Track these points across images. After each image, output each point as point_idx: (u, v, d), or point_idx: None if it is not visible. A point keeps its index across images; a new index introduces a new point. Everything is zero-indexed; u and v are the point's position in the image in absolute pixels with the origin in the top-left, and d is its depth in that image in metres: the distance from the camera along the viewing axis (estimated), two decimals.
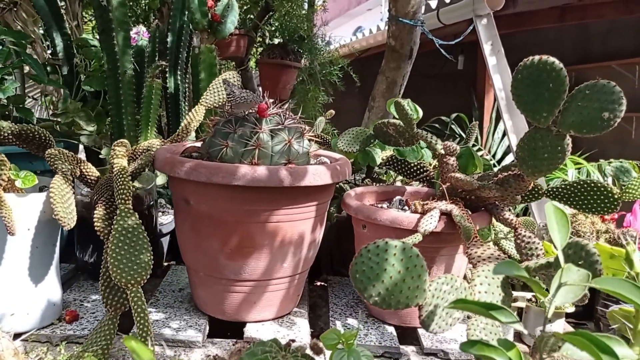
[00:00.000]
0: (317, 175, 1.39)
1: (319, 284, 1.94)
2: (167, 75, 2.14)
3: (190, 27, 2.19)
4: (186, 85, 2.24)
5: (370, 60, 5.99)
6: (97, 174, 1.59)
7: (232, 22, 2.01)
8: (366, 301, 0.98)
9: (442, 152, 1.58)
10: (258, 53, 4.81)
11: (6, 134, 1.39)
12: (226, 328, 1.53)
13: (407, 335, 1.55)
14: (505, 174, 1.43)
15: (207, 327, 1.48)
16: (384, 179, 2.00)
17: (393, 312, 1.55)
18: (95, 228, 1.38)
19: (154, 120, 1.89)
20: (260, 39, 4.66)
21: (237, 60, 4.05)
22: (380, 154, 1.89)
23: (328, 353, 1.02)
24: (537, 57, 1.24)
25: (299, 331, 1.48)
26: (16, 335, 1.35)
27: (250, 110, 1.49)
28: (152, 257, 1.31)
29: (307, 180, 1.37)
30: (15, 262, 1.33)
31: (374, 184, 1.99)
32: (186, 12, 2.16)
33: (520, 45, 4.88)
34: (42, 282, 1.39)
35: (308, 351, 1.03)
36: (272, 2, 3.84)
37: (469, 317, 1.11)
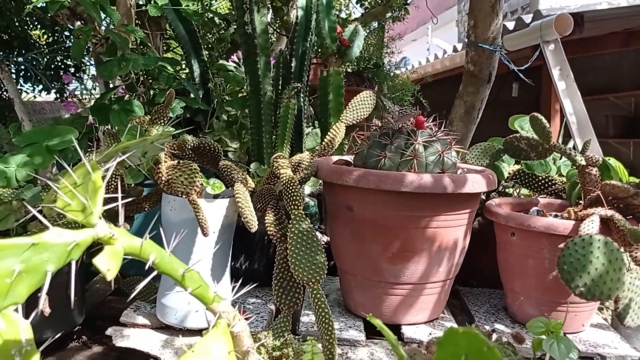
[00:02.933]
0: (476, 183, 1.47)
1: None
2: (295, 99, 2.28)
3: (311, 53, 2.34)
4: (306, 107, 2.38)
5: (425, 87, 6.12)
6: (253, 185, 1.72)
7: (358, 47, 2.15)
8: (572, 292, 1.04)
9: (584, 163, 1.64)
10: None
11: (189, 147, 1.53)
12: (378, 331, 1.60)
13: None
14: None
15: (363, 328, 1.56)
16: (510, 193, 2.07)
17: None
18: (269, 232, 1.50)
19: (289, 138, 2.02)
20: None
21: (313, 88, 4.24)
22: (507, 168, 1.96)
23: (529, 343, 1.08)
24: None
25: None
26: (199, 332, 1.47)
27: (402, 125, 1.60)
28: (326, 258, 1.41)
29: (467, 187, 1.45)
30: (200, 262, 1.46)
31: (500, 197, 2.05)
32: (309, 39, 2.31)
33: (580, 71, 4.91)
34: (220, 282, 1.51)
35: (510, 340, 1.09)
36: None
37: None
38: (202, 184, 1.43)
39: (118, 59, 1.71)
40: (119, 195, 0.93)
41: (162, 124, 1.49)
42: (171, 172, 1.39)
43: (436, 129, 1.60)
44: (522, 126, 2.02)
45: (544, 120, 1.70)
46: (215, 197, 1.60)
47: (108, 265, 0.87)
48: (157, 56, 1.92)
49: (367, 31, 5.18)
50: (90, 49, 1.99)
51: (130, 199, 1.58)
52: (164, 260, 0.96)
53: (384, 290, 1.55)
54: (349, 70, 5.26)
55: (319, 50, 2.24)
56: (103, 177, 0.89)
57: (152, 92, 1.97)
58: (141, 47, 2.21)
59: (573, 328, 1.59)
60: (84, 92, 2.30)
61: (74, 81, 2.42)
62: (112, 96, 1.81)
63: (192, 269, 0.99)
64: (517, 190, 2.06)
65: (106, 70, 1.69)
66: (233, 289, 1.08)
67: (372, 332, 1.58)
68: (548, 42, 3.81)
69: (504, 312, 1.73)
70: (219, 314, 1.03)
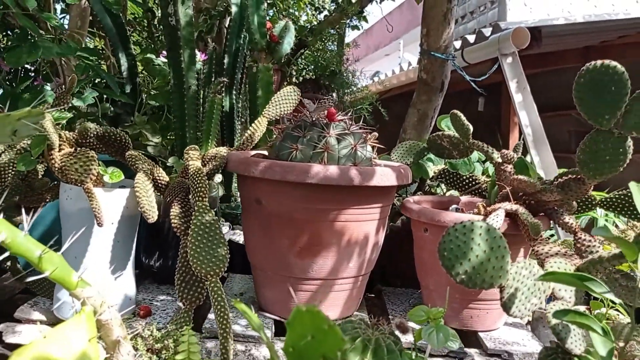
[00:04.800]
0: (385, 176, 1.45)
1: (372, 295, 1.97)
2: (222, 94, 2.24)
3: (245, 50, 2.31)
4: (239, 104, 2.35)
5: (390, 100, 6.18)
6: (167, 178, 1.67)
7: (288, 43, 2.12)
8: (452, 279, 1.02)
9: (500, 160, 1.63)
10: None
11: (92, 135, 1.48)
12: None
13: (468, 338, 1.57)
14: (566, 177, 1.48)
15: (274, 326, 1.52)
16: (435, 192, 2.06)
17: (453, 316, 1.57)
18: (172, 225, 1.45)
19: (215, 134, 1.98)
20: (293, 74, 4.84)
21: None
22: (433, 167, 1.95)
23: (411, 334, 1.05)
24: (599, 62, 1.31)
25: None
26: None
27: (316, 118, 1.57)
28: (228, 251, 1.37)
29: (375, 180, 1.43)
30: (98, 254, 1.40)
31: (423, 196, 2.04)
32: (242, 36, 2.28)
33: (542, 87, 4.99)
34: (121, 276, 1.45)
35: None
36: (306, 38, 4.00)
37: (543, 305, 1.14)
38: (99, 173, 1.37)
39: (28, 46, 1.65)
40: None
41: (63, 110, 1.43)
42: (65, 159, 1.34)
43: (351, 122, 1.58)
44: (448, 125, 2.02)
45: (463, 118, 1.70)
46: (122, 187, 1.55)
47: None
48: (76, 46, 1.86)
49: (324, 39, 5.19)
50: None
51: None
52: (17, 240, 0.90)
53: (293, 286, 1.51)
54: (306, 77, 5.26)
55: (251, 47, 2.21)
56: None
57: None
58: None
59: (485, 326, 1.58)
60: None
61: None
62: (23, 86, 1.75)
63: (51, 251, 0.94)
64: (443, 190, 2.05)
65: (13, 57, 1.62)
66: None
67: (283, 331, 1.54)
68: (506, 55, 3.85)
69: None
70: (83, 300, 0.97)
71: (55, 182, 1.58)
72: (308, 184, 1.38)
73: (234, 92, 2.29)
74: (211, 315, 1.55)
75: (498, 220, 1.39)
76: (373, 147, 1.62)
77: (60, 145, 1.38)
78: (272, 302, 1.56)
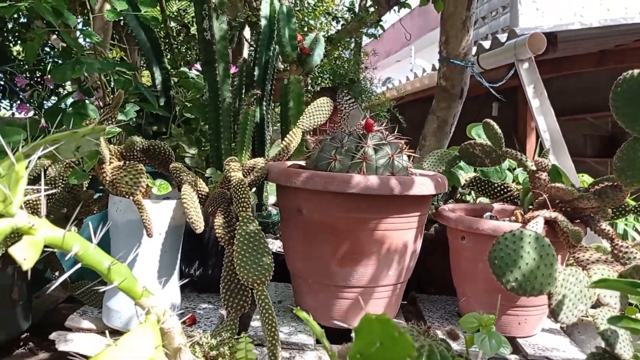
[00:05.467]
0: (424, 186, 1.48)
1: (405, 302, 1.99)
2: (255, 106, 2.29)
3: (274, 62, 2.35)
4: (269, 115, 2.39)
5: (404, 106, 6.21)
6: (207, 189, 1.71)
7: (318, 55, 2.17)
8: (503, 287, 1.05)
9: (534, 168, 1.66)
10: (309, 96, 5.02)
11: (138, 149, 1.53)
12: (330, 336, 1.59)
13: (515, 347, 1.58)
14: (603, 185, 1.50)
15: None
16: (467, 200, 2.08)
17: None
18: (217, 235, 1.49)
19: (249, 145, 2.02)
20: (309, 82, 4.90)
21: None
22: (464, 175, 1.98)
23: (462, 341, 1.08)
24: (636, 71, 1.33)
25: None
26: None
27: (354, 129, 1.61)
28: (272, 260, 1.40)
29: (415, 189, 1.46)
30: (147, 264, 1.44)
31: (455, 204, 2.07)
32: (272, 48, 2.33)
33: (557, 91, 4.99)
34: (167, 286, 1.49)
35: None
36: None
37: (587, 313, 1.16)
38: (147, 185, 1.41)
39: (72, 62, 1.70)
40: (42, 187, 0.92)
41: (111, 124, 1.48)
42: (116, 173, 1.38)
43: (387, 133, 1.61)
44: (479, 134, 2.05)
45: (496, 126, 1.73)
46: (166, 199, 1.59)
47: (25, 254, 0.86)
48: (115, 62, 1.91)
49: (342, 47, 5.25)
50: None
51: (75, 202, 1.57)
52: (88, 252, 0.94)
53: (334, 294, 1.54)
54: (324, 85, 5.31)
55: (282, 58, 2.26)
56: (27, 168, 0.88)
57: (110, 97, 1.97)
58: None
59: (524, 332, 1.59)
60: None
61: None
62: (67, 101, 1.80)
63: (119, 262, 0.98)
64: (474, 198, 2.08)
65: (59, 73, 1.68)
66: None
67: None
68: (522, 61, 3.87)
69: (458, 317, 1.73)
70: (148, 309, 1.01)
71: (100, 195, 1.63)
72: (349, 194, 1.42)
73: (264, 103, 2.33)
74: (254, 323, 1.58)
75: (538, 227, 1.41)
76: (409, 156, 1.65)
77: (110, 158, 1.42)
78: (313, 309, 1.59)
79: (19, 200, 0.87)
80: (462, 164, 2.06)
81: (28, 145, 1.04)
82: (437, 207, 1.80)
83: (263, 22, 2.32)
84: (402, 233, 1.54)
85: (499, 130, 1.73)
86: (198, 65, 2.31)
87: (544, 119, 3.71)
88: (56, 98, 1.92)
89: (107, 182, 1.39)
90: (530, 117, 5.40)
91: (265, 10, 2.30)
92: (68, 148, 1.08)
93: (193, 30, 2.94)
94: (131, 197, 1.37)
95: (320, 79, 5.39)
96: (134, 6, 1.95)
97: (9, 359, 1.55)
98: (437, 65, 6.44)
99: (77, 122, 1.72)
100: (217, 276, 1.86)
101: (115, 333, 1.50)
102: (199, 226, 1.38)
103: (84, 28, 2.54)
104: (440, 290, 1.96)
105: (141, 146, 1.53)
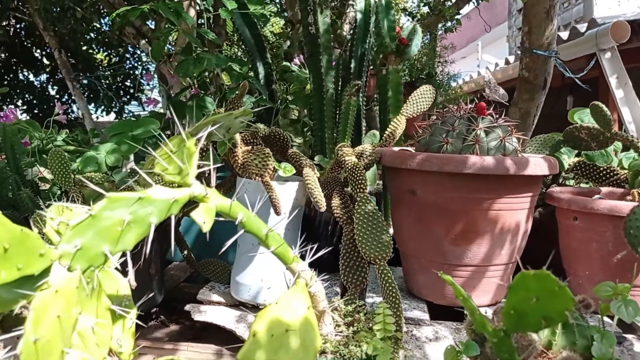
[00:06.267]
0: (538, 166, 1.51)
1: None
2: (355, 96, 2.37)
3: (370, 54, 2.43)
4: (364, 105, 2.47)
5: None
6: (318, 174, 1.81)
7: (416, 45, 2.22)
8: (639, 255, 1.07)
9: None
10: None
11: (260, 135, 1.64)
12: (441, 314, 1.65)
13: (623, 323, 1.58)
14: None
15: (427, 309, 1.61)
16: (570, 185, 2.07)
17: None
18: (335, 215, 1.58)
19: (349, 134, 2.11)
20: None
21: (366, 99, 4.35)
22: (568, 160, 1.97)
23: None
24: None
25: None
26: None
27: (461, 113, 1.66)
28: (391, 238, 1.48)
29: (529, 169, 1.49)
30: None
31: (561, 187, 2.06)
32: (368, 41, 2.40)
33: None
34: None
35: None
36: None
37: None
38: (274, 168, 1.52)
39: (193, 58, 1.85)
40: (211, 161, 1.04)
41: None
42: (246, 156, 1.50)
43: (497, 116, 1.65)
44: (582, 118, 2.03)
45: (605, 109, 1.72)
46: (286, 181, 1.70)
47: (204, 218, 0.98)
48: (227, 57, 2.05)
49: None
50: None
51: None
52: (250, 219, 1.05)
53: (447, 272, 1.59)
54: (403, 80, 5.33)
55: (378, 52, 2.33)
56: (196, 145, 1.00)
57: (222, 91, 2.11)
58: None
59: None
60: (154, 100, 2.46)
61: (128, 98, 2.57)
62: (186, 95, 1.95)
63: (274, 231, 1.08)
64: (578, 183, 2.06)
65: (182, 69, 1.83)
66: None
67: (433, 317, 1.63)
68: (604, 51, 3.76)
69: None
70: (298, 273, 1.11)
71: (223, 179, 1.76)
72: (464, 174, 1.47)
73: (361, 95, 2.41)
74: (368, 300, 1.66)
75: None
76: (518, 139, 1.68)
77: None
78: (425, 286, 1.65)
79: (193, 172, 0.98)
80: (563, 149, 2.05)
81: (192, 126, 1.17)
82: (546, 189, 1.82)
83: (358, 16, 2.40)
84: (515, 213, 1.57)
85: (608, 113, 1.72)
86: (297, 60, 2.42)
87: (628, 109, 3.58)
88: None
89: (239, 164, 1.50)
90: (611, 108, 5.20)
91: (360, 4, 2.38)
92: (222, 128, 1.19)
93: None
94: (260, 179, 1.48)
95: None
96: (241, 5, 2.08)
97: (145, 330, 1.71)
98: (510, 59, 6.28)
99: (198, 113, 1.86)
100: (324, 257, 1.96)
101: (242, 307, 1.62)
102: (322, 205, 1.48)
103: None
104: None
105: (264, 133, 1.64)
